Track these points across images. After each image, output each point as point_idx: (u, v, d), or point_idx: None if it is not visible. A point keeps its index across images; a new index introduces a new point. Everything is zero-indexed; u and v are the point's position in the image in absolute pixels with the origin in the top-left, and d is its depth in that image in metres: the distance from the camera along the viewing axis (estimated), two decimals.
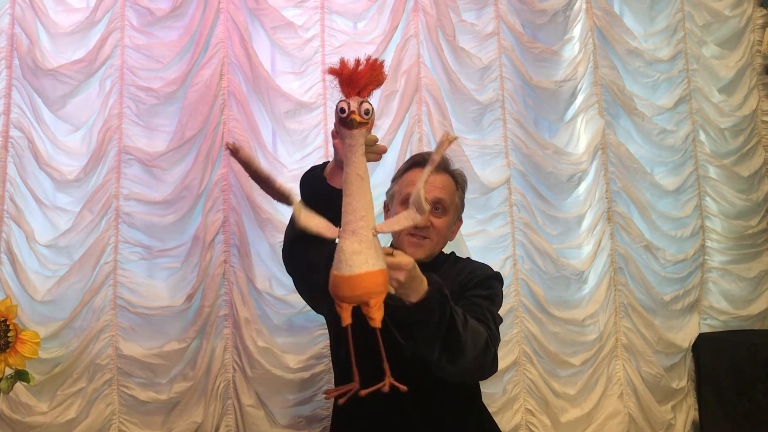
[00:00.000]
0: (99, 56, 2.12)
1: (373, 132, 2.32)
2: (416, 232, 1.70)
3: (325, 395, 1.24)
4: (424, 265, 1.72)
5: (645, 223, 2.58)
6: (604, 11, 2.57)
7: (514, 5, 2.49)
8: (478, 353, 1.52)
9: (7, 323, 1.68)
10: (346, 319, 1.12)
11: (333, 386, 2.19)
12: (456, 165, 1.82)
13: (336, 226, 1.14)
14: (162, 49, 2.19)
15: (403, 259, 1.30)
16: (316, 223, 1.13)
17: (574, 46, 2.57)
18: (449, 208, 1.75)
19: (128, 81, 2.16)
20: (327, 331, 2.16)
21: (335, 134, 1.26)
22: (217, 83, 2.21)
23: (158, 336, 2.15)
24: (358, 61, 1.08)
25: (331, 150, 2.24)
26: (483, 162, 2.44)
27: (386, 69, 1.11)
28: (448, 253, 1.87)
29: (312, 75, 2.29)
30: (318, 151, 2.28)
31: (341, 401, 1.11)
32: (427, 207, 1.14)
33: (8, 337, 1.69)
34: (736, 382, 2.46)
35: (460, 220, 1.85)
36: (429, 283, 1.37)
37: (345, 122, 1.09)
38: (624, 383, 2.53)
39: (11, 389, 1.76)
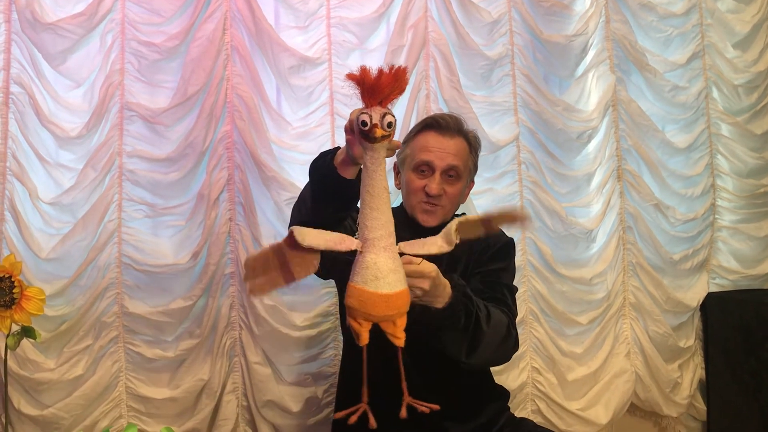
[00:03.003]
0: (99, 9, 2.07)
1: None
2: (429, 199, 1.68)
3: (333, 417, 1.23)
4: (435, 229, 1.72)
5: (655, 182, 2.54)
6: None
7: None
8: (501, 342, 1.55)
9: (12, 280, 1.68)
10: (365, 338, 1.08)
11: (340, 344, 2.20)
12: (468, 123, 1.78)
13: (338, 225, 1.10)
14: (163, 3, 2.14)
15: (427, 267, 1.28)
16: (326, 239, 1.09)
17: (585, 0, 2.50)
18: (463, 173, 1.72)
19: (129, 35, 2.12)
20: (333, 288, 2.16)
21: (348, 130, 1.21)
22: (220, 38, 2.16)
23: (164, 294, 2.14)
24: (381, 71, 1.02)
25: (336, 107, 2.24)
26: (491, 119, 2.40)
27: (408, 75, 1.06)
28: (459, 214, 1.85)
29: (317, 29, 2.24)
30: (323, 108, 2.24)
31: (351, 420, 1.08)
32: (456, 240, 1.10)
33: (13, 293, 1.68)
34: (744, 341, 2.46)
35: (472, 182, 1.82)
36: (452, 287, 1.36)
37: (367, 136, 1.04)
38: (631, 342, 2.53)
39: (18, 346, 1.77)
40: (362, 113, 1.04)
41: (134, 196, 2.13)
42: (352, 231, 1.55)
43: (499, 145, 2.35)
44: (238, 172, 2.19)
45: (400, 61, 2.27)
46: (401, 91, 1.05)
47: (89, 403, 2.08)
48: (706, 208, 2.61)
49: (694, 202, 2.60)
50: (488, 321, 1.47)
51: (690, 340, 2.60)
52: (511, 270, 1.78)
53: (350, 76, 1.04)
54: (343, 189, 1.35)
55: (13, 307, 1.69)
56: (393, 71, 1.03)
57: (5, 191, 2.05)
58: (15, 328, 1.74)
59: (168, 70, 2.16)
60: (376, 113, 1.03)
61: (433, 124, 1.71)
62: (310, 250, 1.09)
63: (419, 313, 1.26)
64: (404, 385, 1.12)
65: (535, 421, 2.10)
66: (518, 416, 1.88)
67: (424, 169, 1.68)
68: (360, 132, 1.05)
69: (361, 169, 1.22)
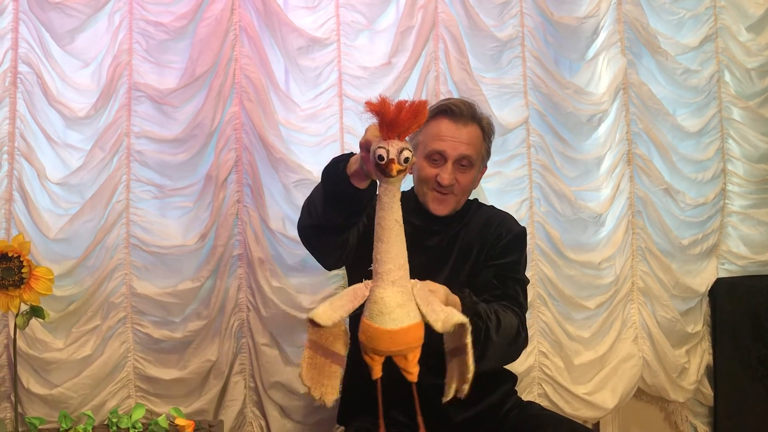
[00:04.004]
0: None
1: (388, 70, 2.29)
2: (440, 188, 1.67)
3: None
4: (446, 218, 1.71)
5: (665, 166, 2.52)
6: None
7: None
8: (510, 345, 1.56)
9: (21, 259, 1.68)
10: (377, 372, 1.09)
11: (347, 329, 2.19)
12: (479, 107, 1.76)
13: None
14: None
15: (436, 287, 1.27)
16: (341, 305, 1.10)
17: None
18: (475, 162, 1.71)
19: (137, 15, 2.10)
20: (341, 270, 2.15)
21: (363, 146, 1.19)
22: (228, 18, 2.14)
23: (172, 275, 2.15)
24: (401, 105, 1.02)
25: (345, 88, 2.23)
26: (501, 102, 2.38)
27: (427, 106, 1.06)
28: (472, 200, 1.84)
29: (325, 9, 2.22)
30: (331, 89, 2.23)
31: None
32: (448, 331, 1.10)
33: (22, 273, 1.69)
34: (753, 327, 2.45)
35: (485, 168, 1.81)
36: (462, 304, 1.36)
37: (383, 171, 1.04)
38: (639, 327, 2.52)
39: (27, 325, 1.78)
40: (379, 147, 1.03)
41: (142, 177, 2.13)
42: (363, 231, 1.55)
43: (508, 128, 2.33)
44: (246, 154, 2.18)
45: (410, 42, 2.25)
46: (419, 125, 1.05)
47: (97, 383, 2.09)
48: (717, 193, 2.58)
49: (705, 186, 2.58)
50: (498, 330, 1.47)
51: (698, 325, 2.59)
52: (523, 262, 1.78)
53: (370, 106, 1.03)
54: (355, 198, 1.35)
55: (22, 286, 1.70)
56: (413, 107, 1.02)
57: (13, 171, 2.05)
58: (24, 307, 1.75)
59: (176, 50, 2.15)
60: (393, 148, 1.02)
61: (446, 111, 1.69)
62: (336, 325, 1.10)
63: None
64: (420, 419, 1.13)
65: (541, 404, 2.10)
66: (525, 400, 1.87)
67: (437, 158, 1.67)
68: (376, 165, 1.05)
69: (373, 180, 1.24)
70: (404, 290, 1.07)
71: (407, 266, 1.09)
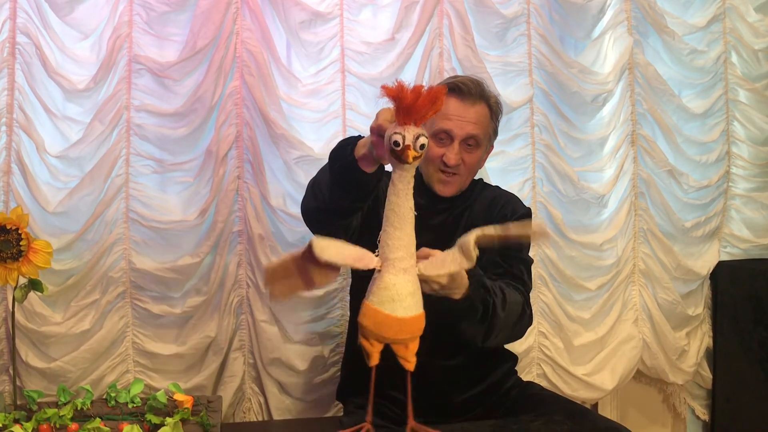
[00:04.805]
0: None
1: (391, 46, 2.26)
2: (446, 169, 1.65)
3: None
4: (452, 198, 1.70)
5: (669, 147, 2.50)
6: None
7: None
8: (516, 322, 1.55)
9: (19, 232, 1.67)
10: (375, 359, 1.08)
11: (347, 304, 2.19)
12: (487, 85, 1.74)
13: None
14: None
15: (435, 252, 1.25)
16: (345, 254, 1.07)
17: None
18: (482, 141, 1.69)
19: None
20: None
21: (374, 131, 1.17)
22: None
23: (171, 250, 2.13)
24: (418, 90, 0.99)
25: (348, 64, 2.20)
26: (506, 80, 2.35)
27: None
28: (477, 179, 1.82)
29: None
30: (334, 64, 2.20)
31: None
32: (475, 255, 1.07)
33: (20, 245, 1.68)
34: (754, 310, 2.44)
35: (491, 147, 1.79)
36: (469, 278, 1.34)
37: (399, 157, 1.02)
38: (639, 309, 2.52)
39: (25, 298, 1.78)
40: (395, 133, 1.01)
41: (142, 151, 2.11)
42: (368, 212, 1.54)
43: (512, 107, 2.31)
44: (247, 129, 2.16)
45: (414, 18, 2.22)
46: (437, 111, 1.03)
47: (96, 358, 2.09)
48: (720, 175, 2.57)
49: (709, 168, 2.56)
50: (504, 305, 1.47)
51: (699, 308, 2.59)
52: (528, 242, 1.77)
53: (387, 91, 1.01)
54: (362, 182, 1.33)
55: (21, 259, 1.69)
56: (431, 93, 1.00)
57: (12, 143, 2.03)
58: (22, 280, 1.74)
59: (177, 22, 2.12)
60: (409, 134, 1.01)
61: (454, 89, 1.65)
62: (329, 265, 1.08)
63: (436, 301, 1.25)
64: (410, 408, 1.13)
65: (541, 385, 2.10)
66: (524, 380, 1.87)
67: (443, 137, 1.65)
68: (391, 150, 1.03)
69: (381, 164, 1.23)
70: (414, 279, 1.07)
71: (416, 255, 1.08)
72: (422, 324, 1.08)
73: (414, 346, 1.08)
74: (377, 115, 1.14)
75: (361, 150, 1.29)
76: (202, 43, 2.08)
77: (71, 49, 2.08)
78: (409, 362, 1.08)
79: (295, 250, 1.10)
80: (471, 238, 1.06)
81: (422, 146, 1.02)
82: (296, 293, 1.16)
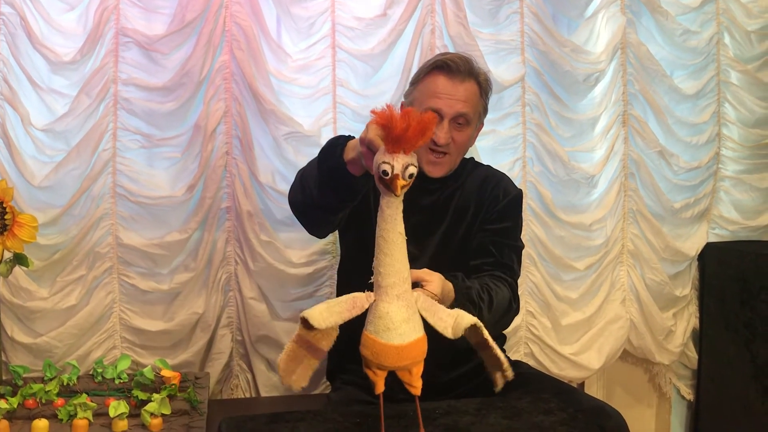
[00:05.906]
0: None
1: (383, 21, 2.24)
2: (436, 148, 1.64)
3: None
4: (442, 179, 1.69)
5: (660, 128, 2.50)
6: None
7: None
8: (501, 317, 1.57)
9: (4, 206, 1.65)
10: (381, 387, 1.09)
11: (335, 281, 2.18)
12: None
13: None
14: None
15: (431, 277, 1.28)
16: (338, 311, 1.08)
17: None
18: (472, 120, 1.68)
19: None
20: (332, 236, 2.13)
21: (363, 142, 1.16)
22: None
23: (159, 226, 2.12)
24: (408, 120, 0.98)
25: (338, 39, 2.17)
26: (497, 58, 2.33)
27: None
28: (468, 158, 1.81)
29: None
30: (324, 40, 2.18)
31: None
32: (460, 335, 1.09)
33: (5, 219, 1.66)
34: (740, 291, 2.46)
35: (481, 125, 1.78)
36: (456, 290, 1.36)
37: (388, 186, 1.01)
38: (627, 289, 2.53)
39: (10, 273, 1.76)
40: (384, 162, 1.01)
41: (129, 126, 2.09)
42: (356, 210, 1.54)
43: (504, 86, 2.29)
44: (236, 104, 2.14)
45: None
46: (426, 141, 1.03)
47: (82, 333, 2.08)
48: (711, 156, 2.57)
49: (699, 150, 2.56)
50: (490, 308, 1.48)
51: (686, 289, 2.60)
52: (519, 226, 1.78)
53: (376, 117, 1.00)
54: (350, 183, 1.34)
55: (5, 233, 1.67)
56: (421, 124, 0.99)
57: None
58: (7, 255, 1.72)
59: None
60: (398, 163, 1.00)
61: (443, 66, 1.65)
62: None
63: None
64: (422, 429, 1.14)
65: (528, 364, 2.10)
66: (512, 359, 1.88)
67: None
68: (380, 179, 1.03)
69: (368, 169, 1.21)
70: (409, 304, 1.07)
71: (410, 279, 1.08)
72: (423, 347, 1.08)
73: (418, 370, 1.09)
74: (367, 128, 1.14)
75: (350, 153, 1.29)
76: (190, 16, 2.05)
77: (57, 20, 2.04)
78: (415, 387, 1.09)
79: (292, 338, 1.12)
80: (468, 323, 1.08)
81: (411, 175, 1.02)
82: (313, 371, 1.17)
